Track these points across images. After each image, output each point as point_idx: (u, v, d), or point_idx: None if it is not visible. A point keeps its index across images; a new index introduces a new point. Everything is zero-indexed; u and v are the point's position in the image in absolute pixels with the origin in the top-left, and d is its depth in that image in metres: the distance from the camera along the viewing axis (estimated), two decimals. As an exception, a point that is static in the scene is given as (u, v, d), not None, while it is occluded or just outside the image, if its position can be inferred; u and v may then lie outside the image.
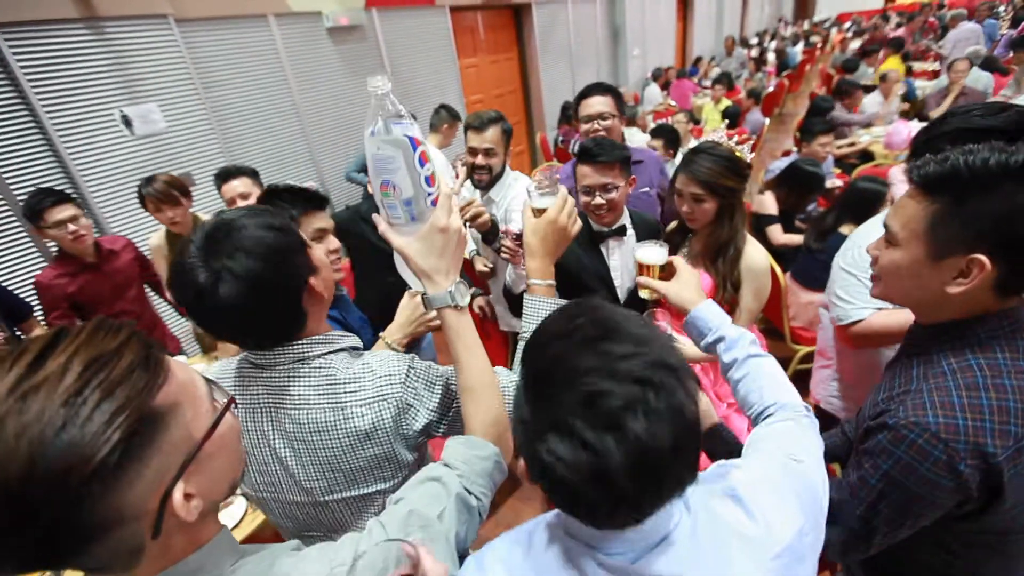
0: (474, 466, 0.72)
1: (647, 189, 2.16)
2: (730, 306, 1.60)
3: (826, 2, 18.96)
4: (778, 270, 2.35)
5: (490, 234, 1.80)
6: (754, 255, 1.55)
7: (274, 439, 0.83)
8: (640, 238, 1.78)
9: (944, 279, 0.77)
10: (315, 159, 4.10)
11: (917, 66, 7.04)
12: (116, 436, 0.42)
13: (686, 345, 1.53)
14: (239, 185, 2.29)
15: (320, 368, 0.81)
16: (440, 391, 0.85)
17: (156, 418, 0.45)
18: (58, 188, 2.36)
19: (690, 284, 1.05)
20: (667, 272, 1.12)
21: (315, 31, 3.95)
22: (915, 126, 4.17)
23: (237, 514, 1.54)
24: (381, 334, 1.24)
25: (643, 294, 1.15)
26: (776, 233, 2.80)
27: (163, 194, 2.30)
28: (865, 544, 0.82)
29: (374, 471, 0.83)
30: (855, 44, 9.86)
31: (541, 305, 0.91)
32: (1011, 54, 6.42)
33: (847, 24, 14.81)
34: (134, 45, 2.92)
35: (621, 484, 0.46)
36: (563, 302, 0.92)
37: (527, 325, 0.91)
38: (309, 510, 0.88)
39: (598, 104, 2.01)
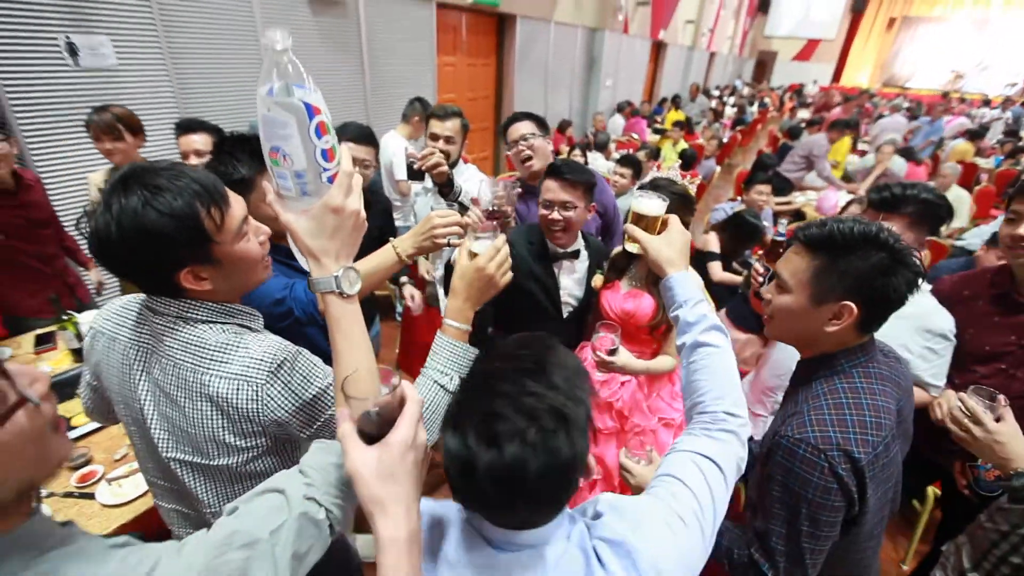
0: (329, 475, 0.67)
1: None
2: (668, 325, 1.71)
3: (781, 72, 21.02)
4: (712, 305, 2.50)
5: (446, 187, 1.88)
6: None
7: (140, 379, 0.88)
8: (592, 264, 1.86)
9: (822, 320, 0.95)
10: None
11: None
12: None
13: (630, 359, 1.63)
14: (198, 140, 2.16)
15: (196, 329, 0.84)
16: (313, 395, 0.85)
17: None
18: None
19: (675, 244, 1.00)
20: (660, 228, 1.05)
21: (295, -3, 3.82)
22: (843, 196, 4.63)
23: (130, 493, 1.40)
24: (391, 240, 1.17)
25: (629, 247, 1.08)
26: (716, 269, 2.99)
27: (107, 125, 2.16)
28: (801, 571, 0.89)
29: (218, 445, 0.85)
30: (803, 114, 10.81)
31: (446, 347, 0.89)
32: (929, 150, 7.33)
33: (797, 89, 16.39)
34: (93, -30, 2.69)
35: (484, 487, 0.57)
36: (471, 350, 0.91)
37: (431, 361, 0.90)
38: (155, 463, 0.92)
39: (523, 127, 2.14)
